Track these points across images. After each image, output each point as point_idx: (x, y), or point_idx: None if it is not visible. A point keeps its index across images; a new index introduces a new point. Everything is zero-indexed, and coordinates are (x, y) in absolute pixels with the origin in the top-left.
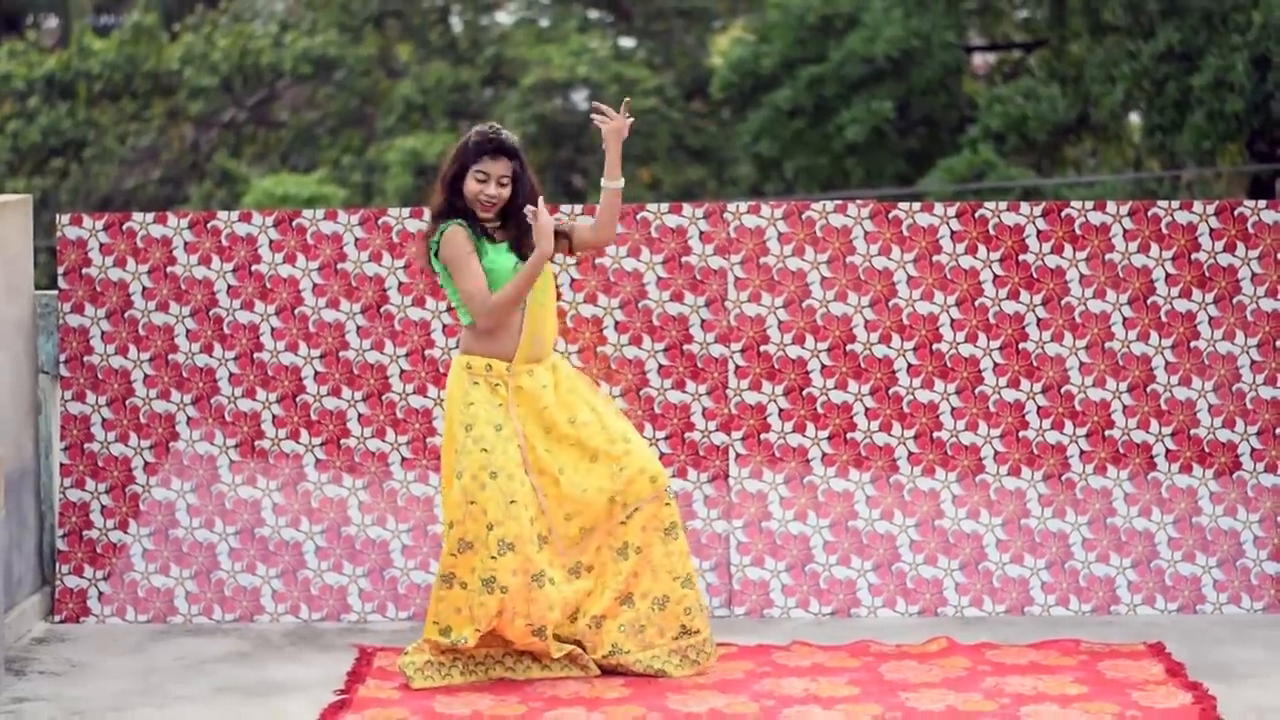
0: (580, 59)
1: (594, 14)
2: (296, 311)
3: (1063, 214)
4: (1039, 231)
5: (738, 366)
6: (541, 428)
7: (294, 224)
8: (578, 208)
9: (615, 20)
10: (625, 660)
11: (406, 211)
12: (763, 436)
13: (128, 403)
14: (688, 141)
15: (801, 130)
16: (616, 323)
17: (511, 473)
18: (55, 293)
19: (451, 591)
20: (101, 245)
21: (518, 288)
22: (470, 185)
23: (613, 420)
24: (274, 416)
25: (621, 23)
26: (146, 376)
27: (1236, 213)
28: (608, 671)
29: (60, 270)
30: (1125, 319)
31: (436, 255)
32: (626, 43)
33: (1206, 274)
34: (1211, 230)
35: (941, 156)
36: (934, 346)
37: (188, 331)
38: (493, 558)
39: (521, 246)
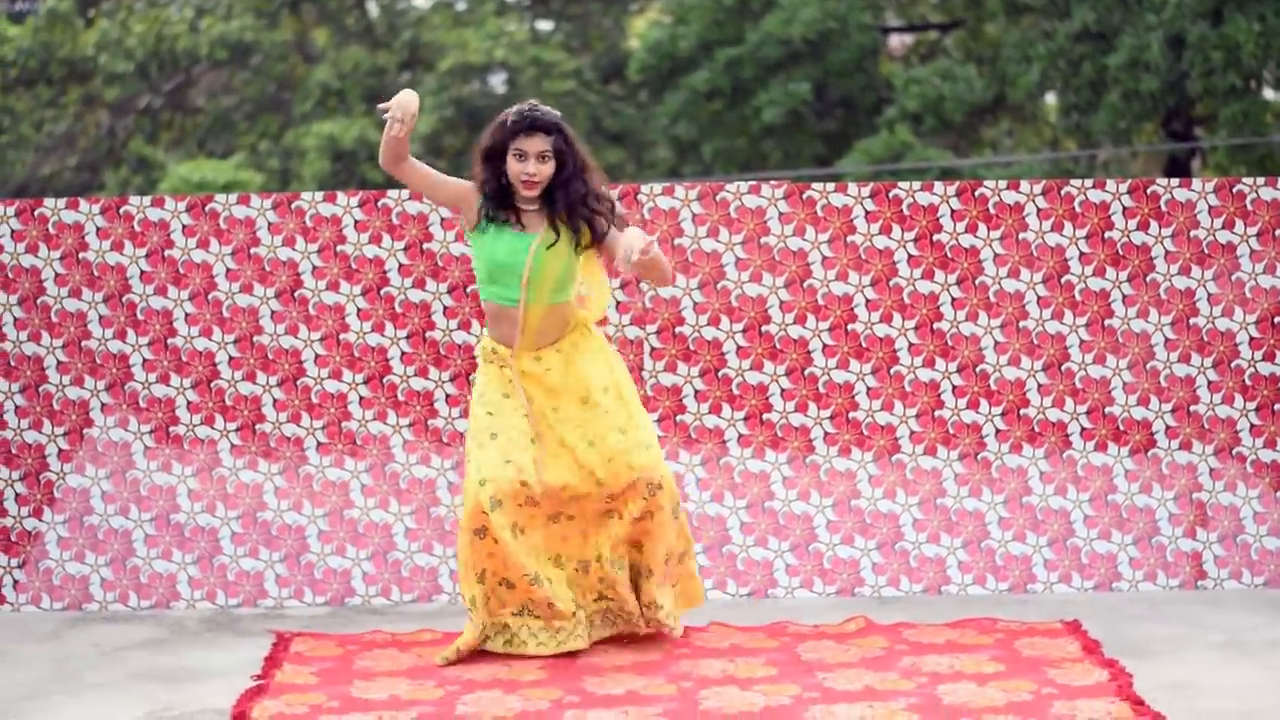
0: (497, 42)
1: None
2: (210, 296)
3: (976, 194)
4: (953, 211)
5: (653, 349)
6: (550, 404)
7: (206, 209)
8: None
9: (532, 3)
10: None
11: (320, 195)
12: (677, 418)
13: (41, 389)
14: (606, 124)
15: (719, 112)
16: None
17: (513, 437)
18: None
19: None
20: (13, 232)
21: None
22: (511, 165)
23: (616, 407)
24: (189, 402)
25: (538, 6)
26: (60, 363)
27: (1149, 191)
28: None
29: None
30: (1039, 298)
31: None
32: (543, 26)
33: (1120, 252)
34: (1125, 209)
35: (859, 138)
36: (849, 327)
37: (100, 317)
38: (483, 510)
39: (554, 220)
